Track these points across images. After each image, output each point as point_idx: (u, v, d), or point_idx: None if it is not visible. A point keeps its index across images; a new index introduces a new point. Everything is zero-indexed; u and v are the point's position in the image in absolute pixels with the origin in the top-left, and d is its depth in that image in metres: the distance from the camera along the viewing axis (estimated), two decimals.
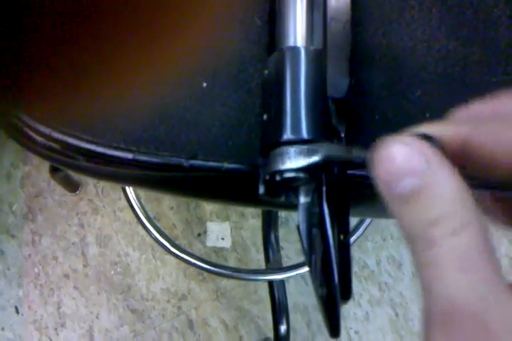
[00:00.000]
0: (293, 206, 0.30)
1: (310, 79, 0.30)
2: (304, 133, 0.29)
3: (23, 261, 1.05)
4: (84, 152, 0.33)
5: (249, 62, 0.34)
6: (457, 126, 0.22)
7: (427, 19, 0.34)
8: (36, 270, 1.05)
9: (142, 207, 0.89)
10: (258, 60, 0.34)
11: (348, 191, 0.31)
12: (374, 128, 0.34)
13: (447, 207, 0.18)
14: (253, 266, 1.06)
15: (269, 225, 0.95)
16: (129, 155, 0.33)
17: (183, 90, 0.34)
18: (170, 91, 0.34)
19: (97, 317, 1.03)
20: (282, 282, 0.92)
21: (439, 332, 0.18)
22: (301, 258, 0.93)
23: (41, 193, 1.09)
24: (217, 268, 0.86)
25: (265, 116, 0.31)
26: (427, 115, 0.33)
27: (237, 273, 0.87)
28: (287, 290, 0.93)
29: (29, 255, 1.06)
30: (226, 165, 0.33)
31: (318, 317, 1.03)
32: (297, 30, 0.32)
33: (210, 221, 1.08)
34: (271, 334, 0.95)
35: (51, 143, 0.33)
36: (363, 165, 0.26)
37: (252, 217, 1.08)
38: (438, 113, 0.33)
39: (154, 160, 0.33)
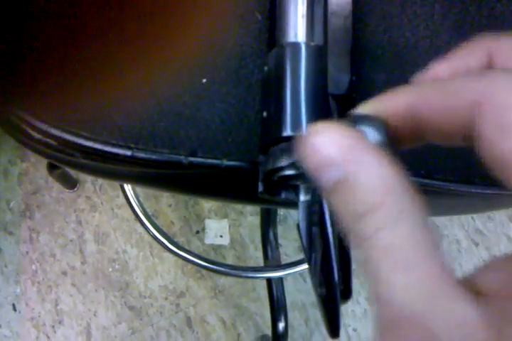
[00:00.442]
0: (293, 204, 0.30)
1: (310, 75, 0.30)
2: (304, 130, 0.28)
3: (21, 258, 1.05)
4: (81, 149, 0.33)
5: (250, 58, 0.34)
6: (397, 97, 0.20)
7: (430, 15, 0.33)
8: (34, 267, 1.04)
9: (140, 205, 0.88)
10: (258, 56, 0.34)
11: None
12: None
13: (375, 197, 0.16)
14: (251, 264, 1.06)
15: (268, 223, 0.95)
16: (128, 152, 0.32)
17: (182, 86, 0.34)
18: (169, 87, 0.34)
19: (94, 315, 1.02)
20: (281, 279, 0.92)
21: None
22: (300, 256, 0.93)
23: (39, 190, 1.08)
24: (216, 265, 0.86)
25: (265, 113, 0.31)
26: None
27: (235, 270, 0.87)
28: (285, 287, 0.93)
29: (27, 252, 1.05)
30: (226, 162, 0.33)
31: (316, 315, 1.03)
32: (297, 26, 0.31)
33: (209, 218, 1.08)
34: (269, 332, 0.95)
35: (48, 140, 0.33)
36: None
37: (250, 215, 1.08)
38: None
39: (153, 157, 0.33)
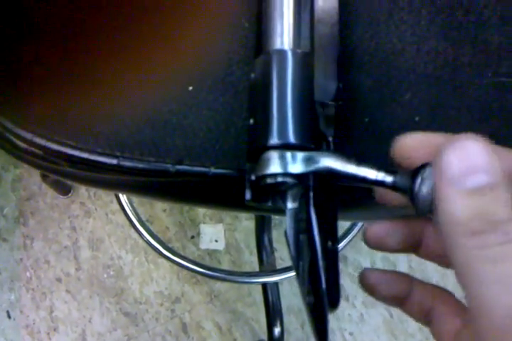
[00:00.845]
0: (281, 211, 0.30)
1: (297, 82, 0.30)
2: (291, 138, 0.28)
3: (15, 265, 1.04)
4: (66, 158, 0.32)
5: (237, 65, 0.34)
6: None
7: (416, 20, 0.33)
8: (28, 274, 1.04)
9: (134, 210, 0.88)
10: (245, 63, 0.34)
11: (336, 196, 0.30)
12: (363, 131, 0.33)
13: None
14: (247, 269, 1.06)
15: (263, 227, 0.95)
16: (114, 161, 0.32)
17: (168, 94, 0.33)
18: (155, 95, 0.33)
19: (89, 321, 1.02)
20: (276, 284, 0.92)
21: None
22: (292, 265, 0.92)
23: (33, 196, 1.08)
24: (211, 271, 0.86)
25: (251, 121, 0.31)
26: (417, 118, 0.32)
27: (230, 275, 0.87)
28: (281, 292, 0.93)
29: (21, 259, 1.05)
30: (213, 170, 0.32)
31: None
32: (284, 33, 0.31)
33: (204, 223, 1.08)
34: (265, 337, 0.95)
35: (33, 149, 0.32)
36: (364, 180, 0.26)
37: (245, 219, 1.08)
38: (427, 116, 0.33)
39: (139, 165, 0.32)
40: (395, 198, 0.26)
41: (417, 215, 0.24)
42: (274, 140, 0.28)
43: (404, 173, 0.24)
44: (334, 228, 0.31)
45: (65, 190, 1.07)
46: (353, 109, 0.33)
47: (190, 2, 0.35)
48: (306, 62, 0.31)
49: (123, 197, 0.87)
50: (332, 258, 0.29)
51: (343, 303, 1.10)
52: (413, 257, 1.05)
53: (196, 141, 0.33)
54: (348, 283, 1.04)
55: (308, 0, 0.32)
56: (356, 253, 1.07)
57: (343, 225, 0.91)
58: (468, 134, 0.20)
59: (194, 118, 0.33)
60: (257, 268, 0.97)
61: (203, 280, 1.04)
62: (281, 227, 1.07)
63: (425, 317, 0.27)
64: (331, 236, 0.30)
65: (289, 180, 0.28)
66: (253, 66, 0.31)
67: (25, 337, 1.01)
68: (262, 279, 0.88)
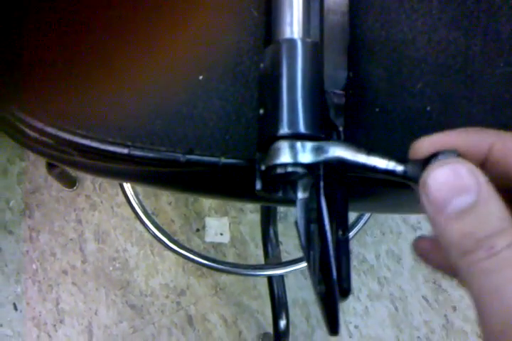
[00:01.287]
0: (291, 201, 0.30)
1: (307, 72, 0.30)
2: (301, 128, 0.28)
3: (21, 257, 1.05)
4: (77, 147, 0.32)
5: (247, 55, 0.34)
6: (482, 135, 0.23)
7: (427, 9, 0.33)
8: (34, 266, 1.04)
9: (140, 203, 0.88)
10: (255, 52, 0.34)
11: (346, 186, 0.30)
12: (374, 121, 0.33)
13: (501, 222, 0.20)
14: (252, 261, 1.06)
15: (268, 220, 0.95)
16: (124, 150, 0.32)
17: (179, 83, 0.33)
18: (165, 84, 0.33)
19: (95, 314, 1.02)
20: (281, 277, 0.92)
21: None
22: (300, 253, 0.92)
23: (38, 189, 1.08)
24: (216, 263, 0.86)
25: (261, 111, 0.30)
26: (428, 108, 0.32)
27: (235, 268, 0.87)
28: (286, 285, 0.93)
29: (27, 251, 1.05)
30: (223, 160, 0.32)
31: (317, 312, 1.03)
32: (293, 22, 0.31)
33: (209, 216, 1.08)
34: (270, 330, 0.95)
35: (44, 138, 0.32)
36: (375, 170, 0.26)
37: (250, 212, 1.08)
38: (439, 105, 0.33)
39: (150, 155, 0.32)
40: (435, 259, 0.27)
41: None
42: (284, 130, 0.28)
43: (415, 163, 0.24)
44: (345, 217, 0.31)
45: (70, 183, 1.07)
46: (364, 99, 0.33)
47: None
48: (315, 52, 0.31)
49: (129, 190, 0.87)
50: (343, 247, 0.29)
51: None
52: None
53: (206, 131, 0.33)
54: (353, 276, 1.05)
55: None
56: (361, 247, 1.07)
57: (348, 219, 0.91)
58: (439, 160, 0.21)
59: (204, 108, 0.33)
60: (262, 261, 0.97)
61: (208, 272, 1.04)
62: (287, 220, 1.07)
63: None
64: (341, 225, 0.30)
65: (299, 170, 0.28)
66: (262, 55, 0.31)
67: (32, 329, 1.01)
68: (268, 272, 0.88)
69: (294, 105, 0.29)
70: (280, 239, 0.98)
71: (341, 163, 0.27)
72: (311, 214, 0.28)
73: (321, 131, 0.29)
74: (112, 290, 1.03)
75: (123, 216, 1.07)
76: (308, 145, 0.28)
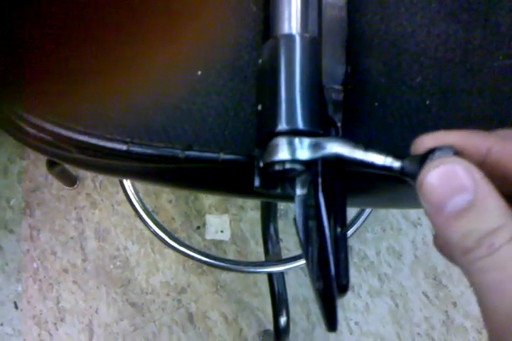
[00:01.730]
0: (290, 198, 0.30)
1: (305, 67, 0.30)
2: (299, 124, 0.28)
3: (22, 256, 1.05)
4: (76, 143, 0.32)
5: (245, 50, 0.34)
6: (482, 137, 0.23)
7: (426, 3, 0.33)
8: (35, 265, 1.04)
9: (140, 201, 0.88)
10: (254, 48, 0.34)
11: (345, 182, 0.30)
12: (373, 115, 0.33)
13: (500, 219, 0.20)
14: (252, 259, 1.06)
15: (268, 217, 0.95)
16: (123, 147, 0.32)
17: (177, 79, 0.33)
18: (164, 80, 0.33)
19: (96, 312, 1.02)
20: (282, 274, 0.92)
21: None
22: (300, 250, 0.92)
23: (39, 188, 1.08)
24: (217, 261, 0.86)
25: (260, 106, 0.30)
26: (427, 102, 0.32)
27: (236, 265, 0.87)
28: (287, 282, 0.93)
29: (27, 250, 1.05)
30: (222, 155, 0.32)
31: (317, 309, 1.03)
32: (292, 17, 0.31)
33: (209, 214, 1.08)
34: (271, 327, 0.95)
35: (42, 135, 0.32)
36: (372, 166, 0.26)
37: (251, 210, 1.08)
38: (438, 99, 0.32)
39: (149, 151, 0.32)
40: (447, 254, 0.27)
41: None
42: (282, 126, 0.28)
43: (412, 159, 0.24)
44: (343, 214, 0.31)
45: (71, 182, 1.07)
46: (362, 94, 0.33)
47: None
48: (314, 47, 0.30)
49: (129, 188, 0.87)
50: (341, 243, 0.29)
51: (348, 293, 1.10)
52: (418, 247, 1.06)
53: (205, 127, 0.32)
54: (353, 272, 1.05)
55: None
56: (361, 244, 1.07)
57: (348, 215, 0.91)
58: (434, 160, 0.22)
59: (203, 104, 0.33)
60: (262, 259, 0.97)
61: (208, 270, 1.04)
62: (287, 217, 1.07)
63: None
64: (339, 222, 0.30)
65: (297, 166, 0.28)
66: (260, 51, 0.31)
67: (33, 328, 1.01)
68: (268, 269, 0.88)
69: (292, 101, 0.29)
70: (280, 236, 0.98)
71: (339, 160, 0.27)
72: (310, 211, 0.28)
73: (319, 127, 0.29)
74: (113, 288, 1.03)
75: (123, 214, 1.07)
76: (306, 141, 0.28)
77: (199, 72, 0.33)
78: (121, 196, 1.05)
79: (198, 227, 1.07)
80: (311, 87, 0.30)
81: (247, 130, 0.33)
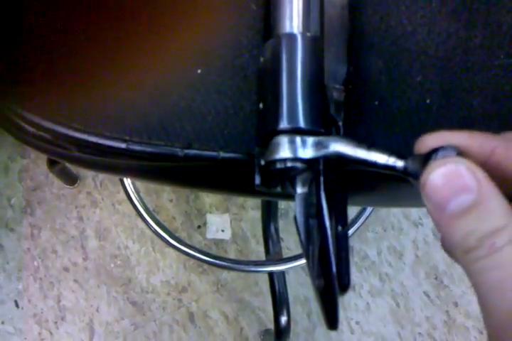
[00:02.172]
0: (290, 196, 0.30)
1: (307, 67, 0.29)
2: (301, 122, 0.28)
3: (23, 254, 1.05)
4: (75, 142, 0.32)
5: (245, 48, 0.34)
6: (486, 138, 0.23)
7: (427, 1, 0.33)
8: (36, 263, 1.04)
9: (141, 200, 0.88)
10: (254, 46, 0.34)
11: (346, 181, 0.30)
12: (373, 114, 0.33)
13: (502, 219, 0.20)
14: (253, 258, 1.06)
15: (269, 217, 0.95)
16: (122, 145, 0.32)
17: (177, 77, 0.33)
18: (163, 78, 0.33)
19: (97, 311, 1.02)
20: (282, 273, 0.92)
21: None
22: (301, 250, 0.92)
23: (39, 186, 1.08)
24: (218, 260, 0.86)
25: (261, 105, 0.30)
26: (428, 101, 0.32)
27: (237, 264, 0.87)
28: (287, 281, 0.93)
29: (28, 249, 1.05)
30: (222, 154, 0.32)
31: (318, 308, 1.03)
32: (293, 16, 0.31)
33: (210, 213, 1.08)
34: (272, 326, 0.95)
35: (41, 133, 0.32)
36: (375, 165, 0.26)
37: (251, 209, 1.08)
38: (439, 98, 0.32)
39: (148, 149, 0.32)
40: None
41: None
42: (283, 124, 0.28)
43: (415, 158, 0.24)
44: (344, 212, 0.31)
45: (71, 180, 1.07)
46: (363, 92, 0.33)
47: None
48: (315, 46, 0.30)
49: (129, 187, 0.87)
50: (342, 242, 0.29)
51: (349, 293, 1.10)
52: (420, 247, 1.05)
53: (205, 125, 0.32)
54: (354, 272, 1.05)
55: None
56: (362, 243, 1.07)
57: (349, 215, 0.91)
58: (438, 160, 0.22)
59: (203, 102, 0.33)
60: (263, 258, 0.97)
61: (209, 269, 1.04)
62: (288, 217, 1.07)
63: None
64: (341, 220, 0.30)
65: (298, 165, 0.28)
66: (262, 50, 0.31)
67: (33, 326, 1.02)
68: (269, 268, 0.88)
69: (294, 100, 0.29)
70: (281, 235, 0.98)
71: (341, 158, 0.27)
72: (310, 209, 0.28)
73: (320, 125, 0.29)
74: (114, 287, 1.03)
75: (124, 213, 1.07)
76: (308, 140, 0.28)
77: (199, 71, 0.33)
78: (122, 195, 1.05)
79: (199, 226, 1.07)
80: (313, 85, 0.30)
81: (247, 128, 0.33)
